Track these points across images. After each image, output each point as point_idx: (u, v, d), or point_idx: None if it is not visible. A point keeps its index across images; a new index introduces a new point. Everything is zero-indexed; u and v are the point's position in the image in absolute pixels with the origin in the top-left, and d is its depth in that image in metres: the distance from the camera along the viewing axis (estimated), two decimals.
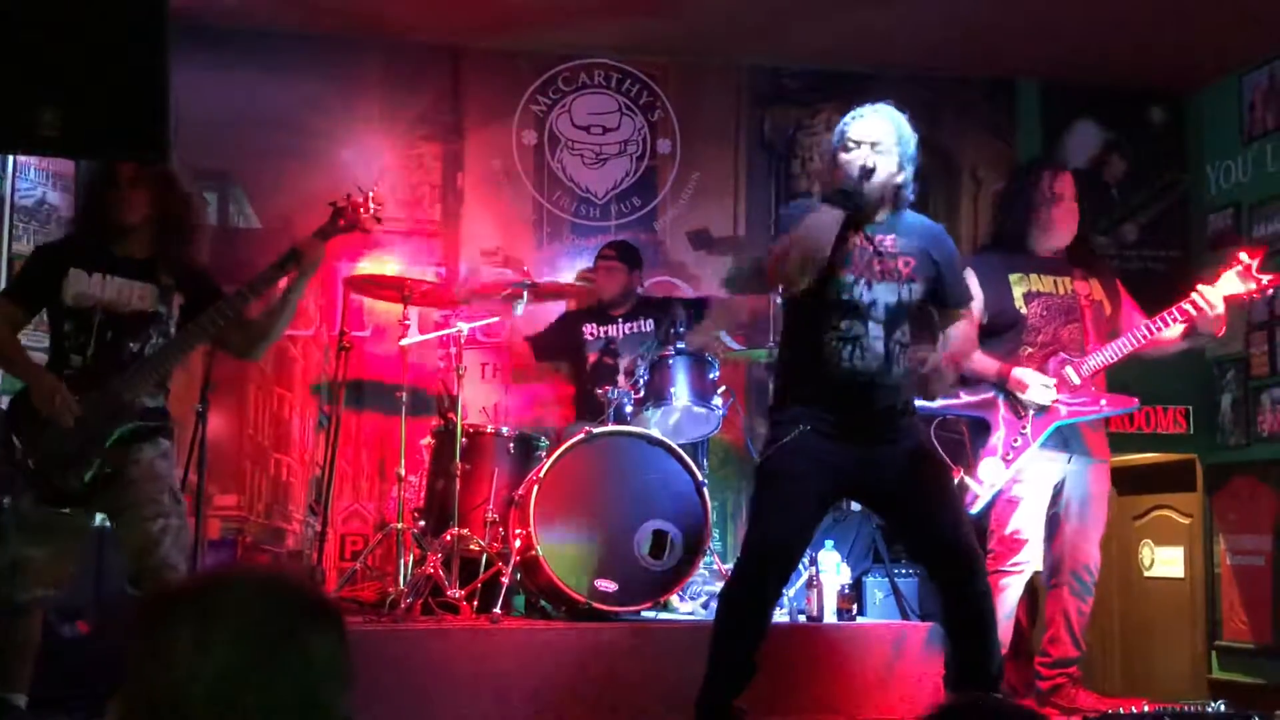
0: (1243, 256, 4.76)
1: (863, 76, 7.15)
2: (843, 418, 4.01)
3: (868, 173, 4.00)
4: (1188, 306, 4.71)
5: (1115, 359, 4.82)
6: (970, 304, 4.40)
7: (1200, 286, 4.73)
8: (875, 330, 4.01)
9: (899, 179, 4.14)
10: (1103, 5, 6.17)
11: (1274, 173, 6.65)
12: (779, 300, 4.37)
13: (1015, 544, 4.83)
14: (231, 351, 4.49)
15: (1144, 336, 4.79)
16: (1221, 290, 4.70)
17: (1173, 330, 4.79)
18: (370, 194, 4.50)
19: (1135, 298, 5.10)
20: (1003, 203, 5.29)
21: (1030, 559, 4.87)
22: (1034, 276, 4.94)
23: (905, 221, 4.22)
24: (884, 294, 4.03)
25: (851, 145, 4.11)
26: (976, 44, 6.67)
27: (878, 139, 4.10)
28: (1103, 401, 4.83)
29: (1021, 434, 4.79)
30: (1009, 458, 4.79)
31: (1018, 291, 4.92)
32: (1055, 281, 4.96)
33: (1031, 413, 4.78)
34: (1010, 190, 5.27)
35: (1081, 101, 7.22)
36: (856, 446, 4.03)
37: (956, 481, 4.80)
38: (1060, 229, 5.00)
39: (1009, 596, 4.86)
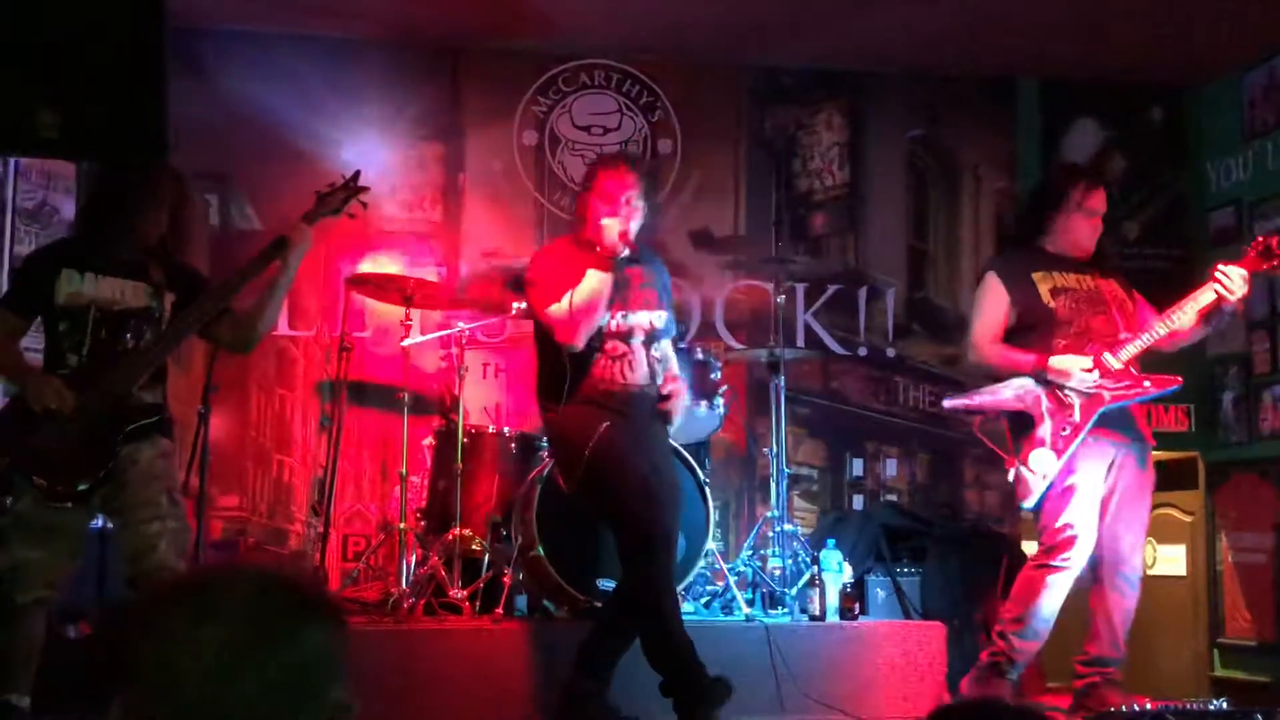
0: (1262, 240, 4.74)
1: (862, 75, 7.16)
2: (626, 418, 4.47)
3: (625, 234, 4.41)
4: (1215, 286, 4.67)
5: (1149, 344, 4.76)
6: (672, 336, 4.80)
7: (1221, 265, 4.70)
8: (638, 349, 4.53)
9: (643, 220, 4.58)
10: (1103, 3, 6.17)
11: (1274, 170, 6.65)
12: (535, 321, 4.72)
13: (1065, 541, 4.70)
14: (222, 345, 4.45)
15: (1174, 320, 4.74)
16: (1244, 269, 4.67)
17: (1190, 316, 4.75)
18: (354, 178, 4.48)
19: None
20: (1030, 200, 5.23)
21: (1078, 557, 4.72)
22: (1056, 274, 4.88)
23: (645, 253, 4.70)
24: (639, 320, 4.54)
25: (608, 200, 4.48)
26: (977, 42, 6.67)
27: (632, 192, 4.49)
28: (1146, 383, 4.75)
29: (1070, 422, 4.70)
30: (1059, 447, 4.69)
31: (1044, 288, 4.84)
32: (1078, 278, 4.90)
33: (1077, 401, 4.73)
34: (1040, 190, 5.21)
35: (1082, 99, 7.22)
36: (645, 436, 4.53)
37: (1011, 474, 4.75)
38: (1082, 243, 4.94)
39: (1053, 595, 4.73)
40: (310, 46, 6.57)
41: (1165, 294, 4.95)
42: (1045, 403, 4.75)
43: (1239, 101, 6.89)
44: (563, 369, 4.48)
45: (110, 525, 4.32)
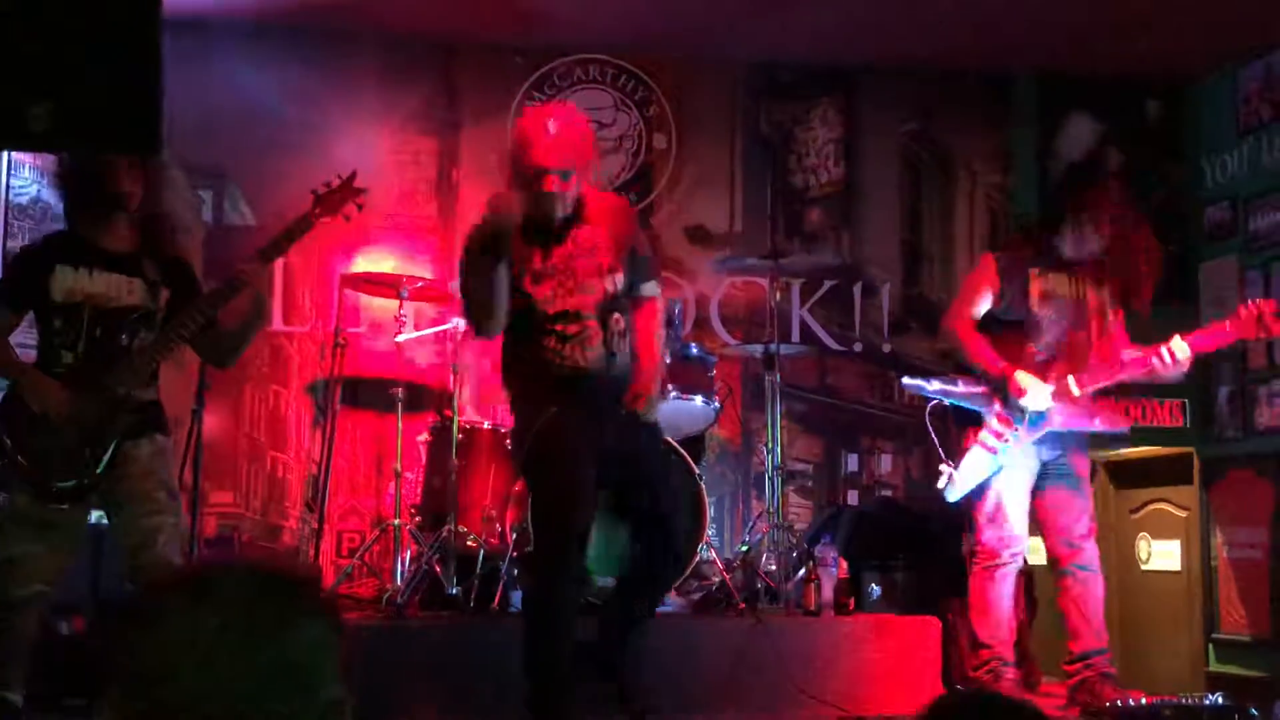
0: (1259, 304, 4.80)
1: (858, 70, 7.15)
2: (580, 403, 4.13)
3: (554, 203, 4.11)
4: (1158, 358, 4.76)
5: (1110, 383, 4.88)
6: (656, 285, 4.43)
7: (1175, 340, 4.76)
8: (592, 325, 4.15)
9: (581, 183, 4.21)
10: None
11: (1269, 165, 6.65)
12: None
13: (1000, 541, 4.86)
14: (202, 357, 4.45)
15: (1128, 370, 4.85)
16: (1202, 344, 4.80)
17: (1140, 374, 4.87)
18: (350, 178, 4.44)
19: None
20: (1054, 210, 5.26)
21: (1019, 549, 4.91)
22: (1053, 275, 4.92)
23: (590, 206, 4.26)
24: (588, 292, 4.15)
25: (535, 171, 4.11)
26: (972, 37, 6.66)
27: (566, 166, 4.10)
28: (1096, 420, 4.88)
29: (1013, 433, 4.80)
30: (995, 454, 4.81)
31: (1035, 290, 4.90)
32: (1070, 283, 4.93)
33: (1026, 416, 4.80)
34: (1070, 200, 5.13)
35: (1077, 94, 7.21)
36: (601, 423, 4.16)
37: (945, 476, 4.82)
38: (1088, 254, 4.94)
39: (1004, 588, 4.89)
40: (306, 40, 6.55)
41: (1160, 289, 4.98)
42: (997, 407, 4.82)
43: (1234, 97, 6.89)
44: (515, 352, 4.28)
45: (106, 521, 4.31)
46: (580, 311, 4.15)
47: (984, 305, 4.94)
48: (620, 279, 4.21)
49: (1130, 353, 4.91)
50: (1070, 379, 4.80)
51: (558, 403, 4.12)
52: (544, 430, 4.12)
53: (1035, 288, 4.90)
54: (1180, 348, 4.75)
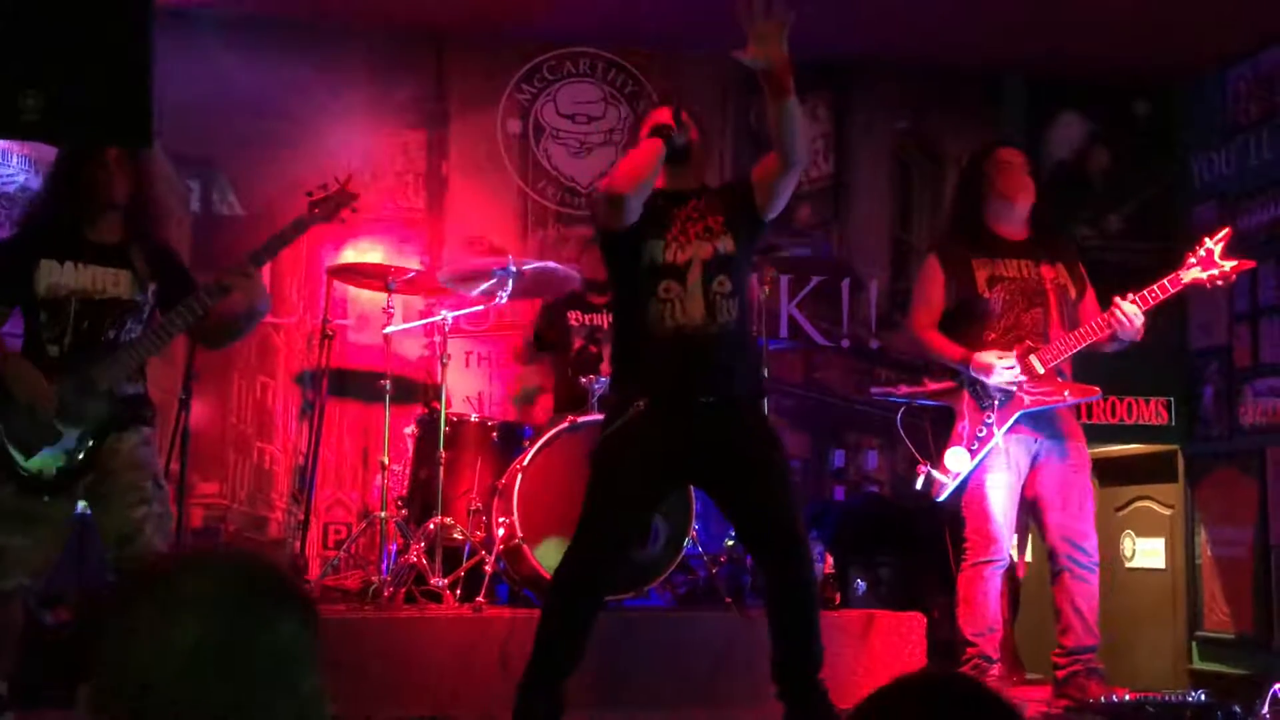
0: (1206, 242, 4.83)
1: (848, 68, 7.15)
2: (677, 385, 4.07)
3: (681, 121, 4.18)
4: (1112, 319, 4.77)
5: (1072, 351, 4.85)
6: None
7: (1117, 299, 4.78)
8: (694, 285, 4.08)
9: (700, 147, 4.31)
10: None
11: (1257, 165, 6.66)
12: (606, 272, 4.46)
13: (988, 538, 4.85)
14: (195, 340, 4.46)
15: (1086, 337, 4.83)
16: (1153, 298, 4.79)
17: (1101, 336, 4.84)
18: (345, 183, 4.42)
19: (1121, 289, 5.05)
20: (960, 186, 5.32)
21: (1004, 550, 4.90)
22: (998, 262, 4.95)
23: (708, 187, 4.35)
24: (699, 252, 4.11)
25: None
26: (962, 36, 6.67)
27: (686, 106, 4.28)
28: (1066, 392, 4.87)
29: (986, 423, 4.81)
30: (974, 448, 4.81)
31: (981, 276, 4.92)
32: (1020, 265, 4.96)
33: (996, 401, 4.80)
34: (965, 172, 5.31)
35: (1066, 94, 7.23)
36: (692, 424, 4.07)
37: (924, 475, 4.83)
38: (1015, 198, 5.00)
39: (991, 585, 4.88)
40: (295, 31, 6.53)
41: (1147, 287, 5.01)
42: (966, 399, 4.84)
43: (1223, 96, 6.90)
44: (620, 319, 4.27)
45: (90, 512, 4.29)
46: (685, 269, 4.09)
47: (937, 303, 4.98)
48: (729, 242, 4.15)
49: (1092, 313, 4.93)
50: (1032, 357, 4.81)
51: (651, 386, 4.07)
52: (613, 438, 4.09)
53: (980, 275, 4.93)
54: (1128, 307, 4.76)
